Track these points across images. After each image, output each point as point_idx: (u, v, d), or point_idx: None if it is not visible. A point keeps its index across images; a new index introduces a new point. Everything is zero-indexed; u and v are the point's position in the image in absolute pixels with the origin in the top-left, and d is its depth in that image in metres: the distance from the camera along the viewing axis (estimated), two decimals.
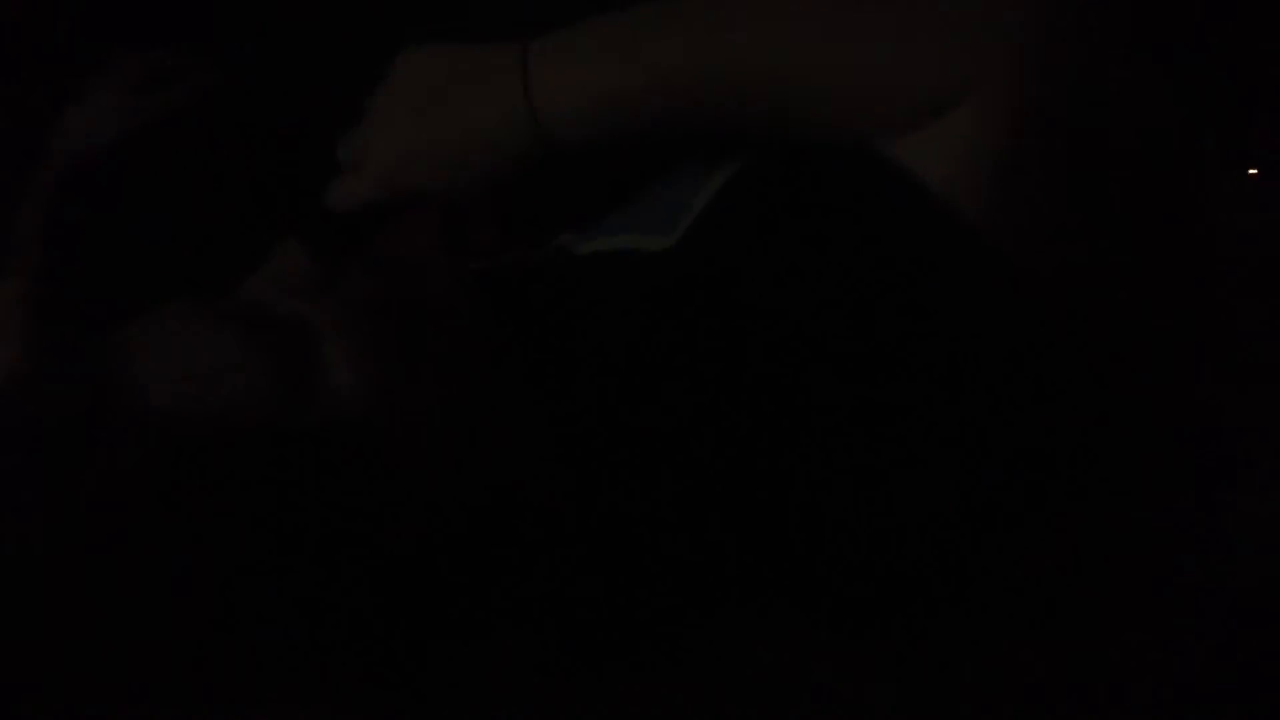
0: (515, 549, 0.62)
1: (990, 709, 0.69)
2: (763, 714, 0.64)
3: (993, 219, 0.63)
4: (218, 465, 0.55)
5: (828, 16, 0.64)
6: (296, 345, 0.58)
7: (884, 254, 0.63)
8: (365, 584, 0.57)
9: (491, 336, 0.66)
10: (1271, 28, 0.80)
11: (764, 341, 0.64)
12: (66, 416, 0.56)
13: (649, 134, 0.68)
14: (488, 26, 0.71)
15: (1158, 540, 0.74)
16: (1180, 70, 0.73)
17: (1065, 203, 0.64)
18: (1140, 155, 0.66)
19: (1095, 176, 0.64)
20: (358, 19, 0.80)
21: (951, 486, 0.63)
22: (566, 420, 0.65)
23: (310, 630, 0.56)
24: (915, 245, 0.63)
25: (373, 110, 0.71)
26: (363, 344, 0.59)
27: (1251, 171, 0.82)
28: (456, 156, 0.69)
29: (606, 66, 0.67)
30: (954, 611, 0.68)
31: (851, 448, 0.63)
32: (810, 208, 0.66)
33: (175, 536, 0.54)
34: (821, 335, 0.63)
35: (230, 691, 0.56)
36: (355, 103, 0.73)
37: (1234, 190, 0.80)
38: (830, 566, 0.64)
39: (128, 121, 0.73)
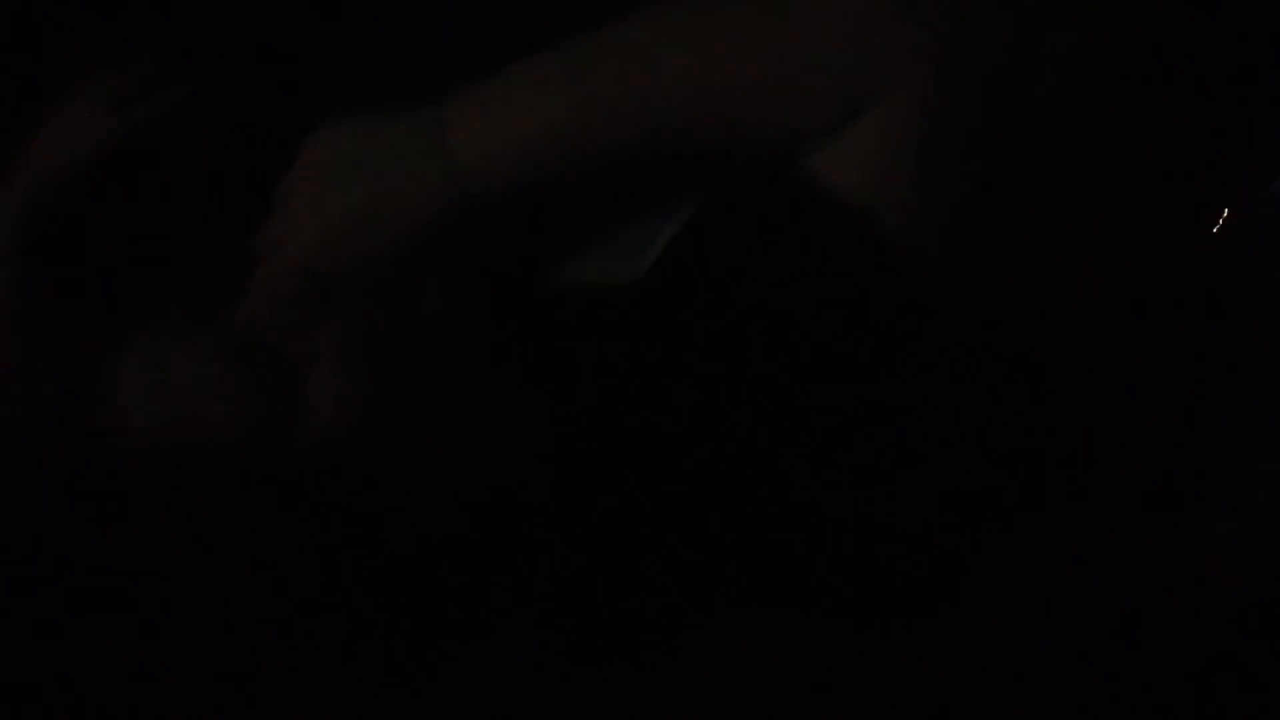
0: (510, 554, 0.63)
1: (981, 706, 0.70)
2: (756, 710, 0.64)
3: (915, 219, 0.64)
4: (195, 487, 0.56)
5: (741, 33, 0.66)
6: (280, 375, 0.59)
7: (814, 276, 0.66)
8: (356, 595, 0.59)
9: (466, 360, 0.67)
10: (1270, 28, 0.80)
11: (725, 356, 0.66)
12: (44, 433, 0.57)
13: (576, 172, 0.68)
14: (397, 100, 0.71)
15: (1154, 540, 0.74)
16: (1179, 69, 0.74)
17: (987, 202, 0.66)
18: (1075, 154, 0.67)
19: (1018, 176, 0.66)
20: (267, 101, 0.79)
21: (896, 487, 0.66)
22: (554, 427, 0.66)
23: (303, 638, 0.58)
24: (838, 264, 0.66)
25: (285, 197, 0.70)
26: (349, 374, 0.60)
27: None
28: (380, 225, 0.68)
29: (523, 110, 0.68)
30: (943, 608, 0.68)
31: (816, 452, 0.64)
32: (746, 242, 0.68)
33: (146, 555, 0.55)
34: (769, 346, 0.65)
35: (229, 697, 0.56)
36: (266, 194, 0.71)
37: (1234, 191, 0.81)
38: (810, 566, 0.65)
39: (106, 136, 0.72)
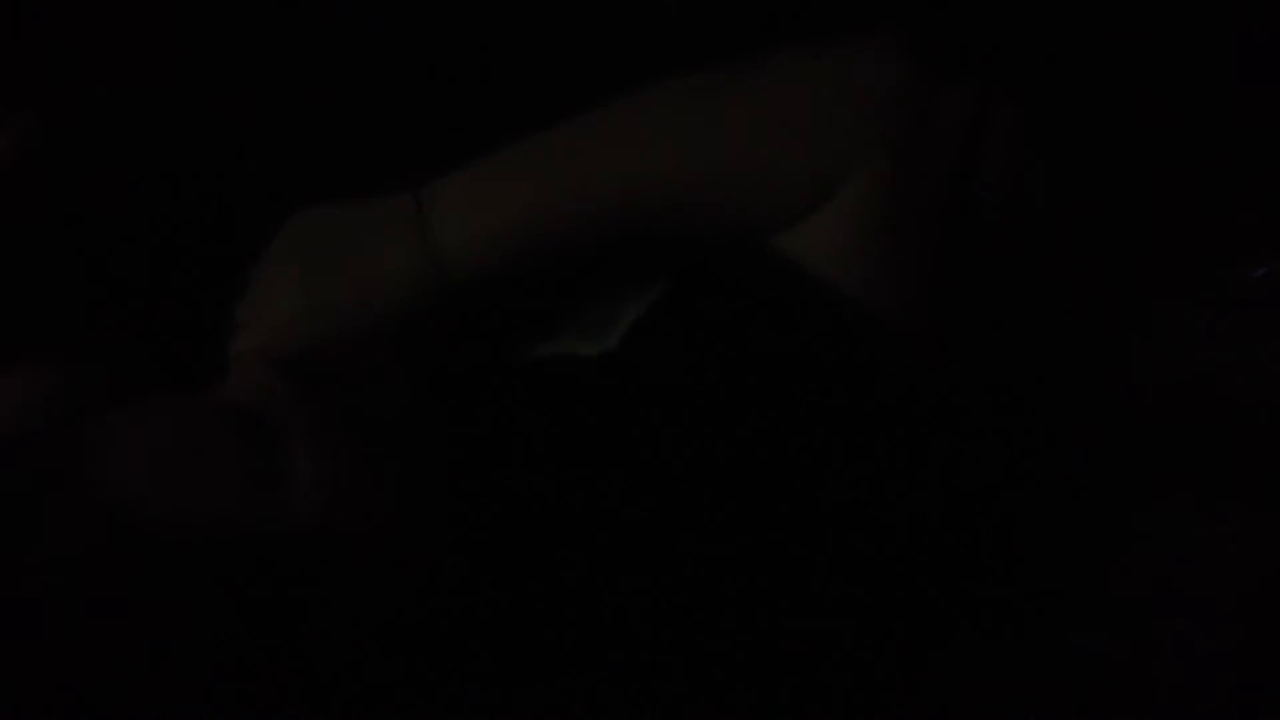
0: (465, 642, 0.64)
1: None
2: None
3: (875, 289, 0.69)
4: (177, 551, 0.56)
5: (711, 127, 0.69)
6: (269, 443, 0.59)
7: (781, 348, 0.69)
8: (321, 673, 0.59)
9: (437, 441, 0.69)
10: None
11: (688, 426, 0.69)
12: (23, 495, 0.56)
13: (552, 255, 0.71)
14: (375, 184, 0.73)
15: (1151, 548, 0.76)
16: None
17: (939, 272, 0.70)
18: (1005, 227, 0.71)
19: (966, 247, 0.70)
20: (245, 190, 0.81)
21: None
22: (503, 512, 0.68)
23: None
24: (805, 334, 0.69)
25: (261, 275, 0.71)
26: (324, 448, 0.60)
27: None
28: (356, 309, 0.69)
29: (501, 196, 0.70)
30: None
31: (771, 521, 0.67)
32: (718, 315, 0.71)
33: (123, 621, 0.55)
34: (737, 417, 0.68)
35: None
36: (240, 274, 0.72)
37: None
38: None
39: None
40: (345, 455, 0.61)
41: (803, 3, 0.79)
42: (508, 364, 0.75)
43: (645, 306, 0.73)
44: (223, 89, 0.83)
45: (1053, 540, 0.77)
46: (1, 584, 0.53)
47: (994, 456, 0.73)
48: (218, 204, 0.78)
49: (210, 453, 0.58)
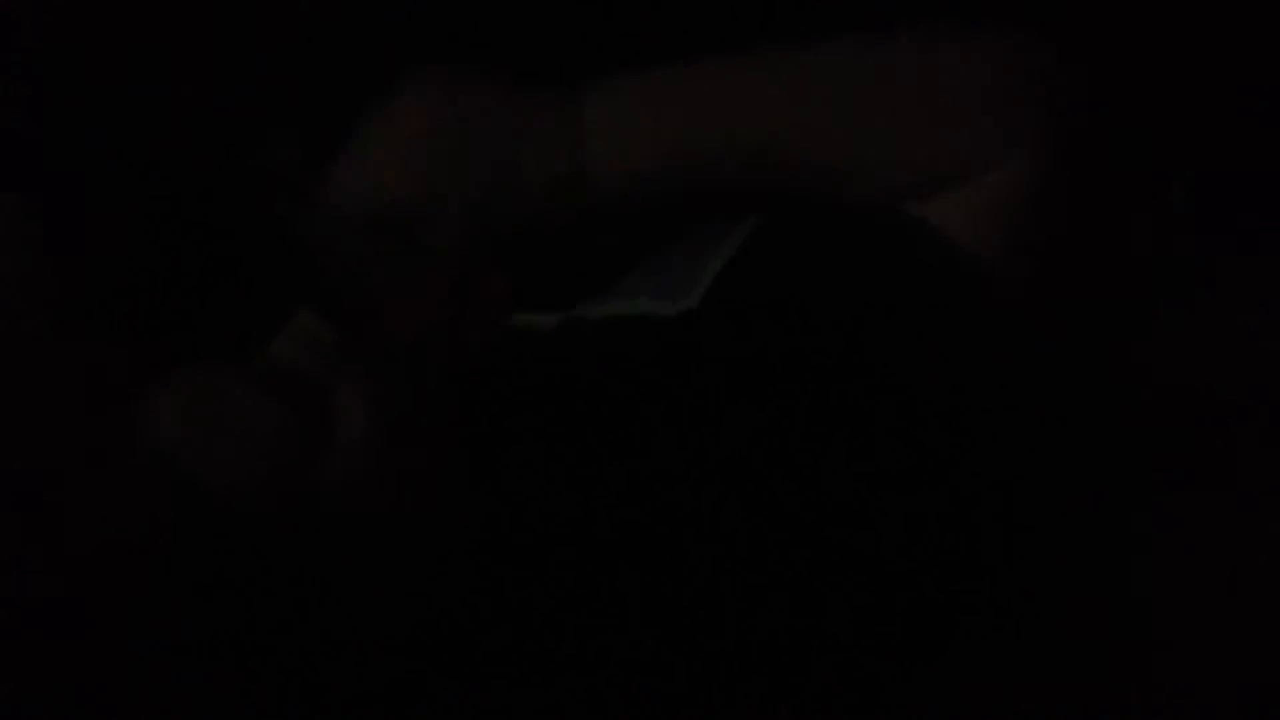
0: (509, 623, 0.61)
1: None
2: None
3: (1006, 268, 0.67)
4: (228, 515, 0.55)
5: (872, 96, 0.67)
6: (314, 407, 0.58)
7: (902, 317, 0.66)
8: (373, 643, 0.57)
9: (486, 410, 0.65)
10: None
11: (779, 406, 0.65)
12: (84, 470, 0.56)
13: (683, 199, 0.68)
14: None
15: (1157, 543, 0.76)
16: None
17: (1070, 253, 0.70)
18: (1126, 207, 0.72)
19: (1095, 230, 0.70)
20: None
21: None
22: (566, 483, 0.64)
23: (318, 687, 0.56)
24: (935, 303, 0.67)
25: (373, 130, 0.65)
26: (373, 412, 0.59)
27: None
28: (476, 210, 0.65)
29: (657, 129, 0.67)
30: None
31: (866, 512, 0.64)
32: (826, 269, 0.68)
33: (184, 594, 0.54)
34: (840, 404, 0.65)
35: None
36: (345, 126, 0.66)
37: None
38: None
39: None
40: (394, 413, 0.59)
41: None
42: (576, 322, 0.71)
43: (726, 263, 0.69)
44: None
45: (1052, 539, 0.76)
46: (52, 565, 0.53)
47: (1004, 453, 0.72)
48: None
49: (254, 418, 0.57)
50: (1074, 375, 0.77)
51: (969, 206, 0.67)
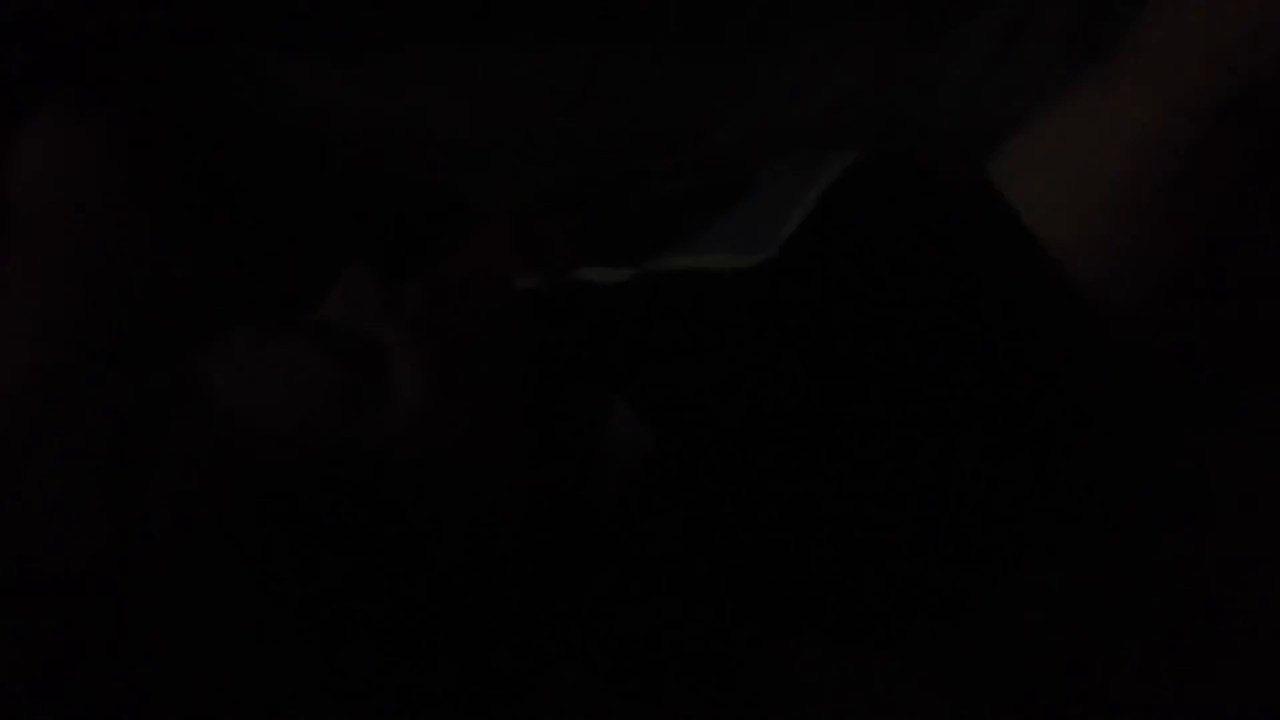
0: (561, 570, 0.61)
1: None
2: None
3: (1078, 245, 0.65)
4: (290, 473, 0.56)
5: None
6: (368, 361, 0.58)
7: (975, 284, 0.65)
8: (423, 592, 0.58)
9: (548, 356, 0.65)
10: None
11: (856, 364, 0.64)
12: (142, 424, 0.56)
13: None
14: None
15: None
16: None
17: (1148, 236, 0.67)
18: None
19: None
20: None
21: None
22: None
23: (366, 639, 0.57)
24: (1003, 273, 0.66)
25: None
26: (426, 363, 0.59)
27: None
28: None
29: None
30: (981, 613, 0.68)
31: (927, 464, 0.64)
32: (913, 224, 0.67)
33: (238, 542, 0.55)
34: (920, 364, 0.64)
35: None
36: None
37: None
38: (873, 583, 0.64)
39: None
40: (447, 367, 0.59)
41: None
42: (649, 275, 0.69)
43: (809, 213, 0.67)
44: None
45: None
46: (127, 520, 0.53)
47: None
48: None
49: (306, 375, 0.57)
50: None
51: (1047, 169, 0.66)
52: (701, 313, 0.66)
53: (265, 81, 0.74)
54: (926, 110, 0.74)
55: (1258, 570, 0.72)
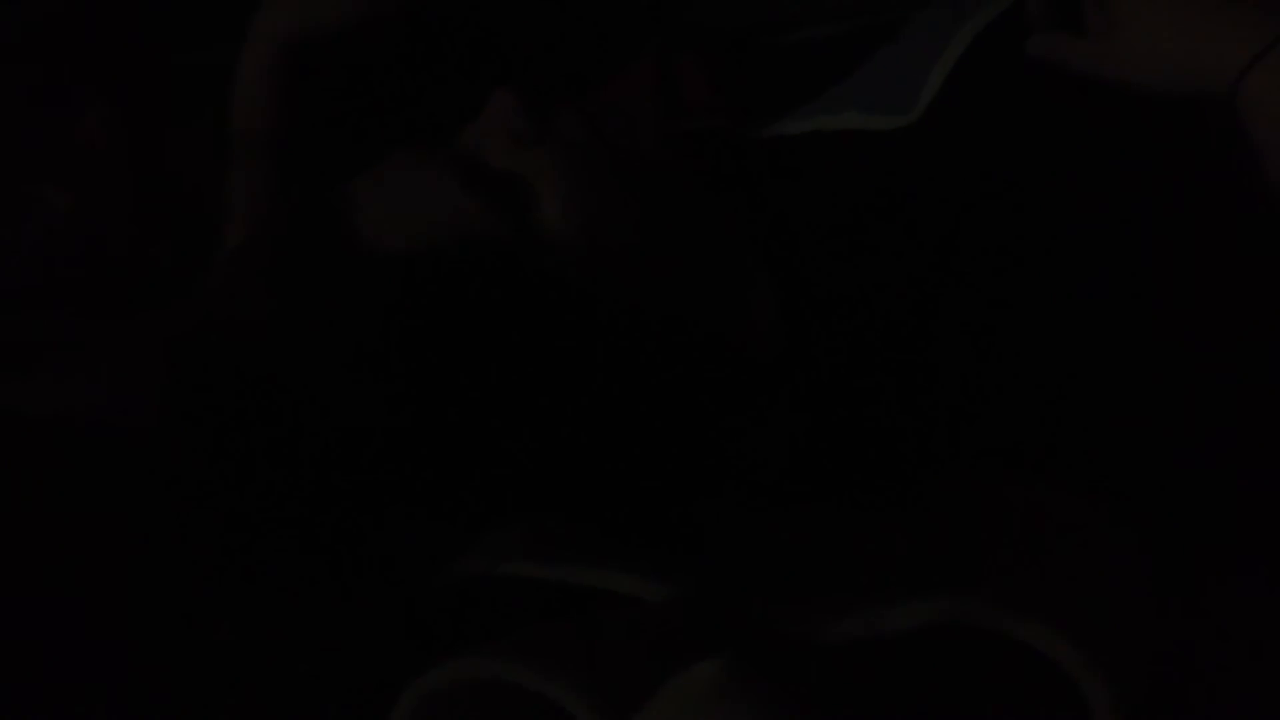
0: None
1: None
2: None
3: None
4: (440, 298, 0.58)
5: None
6: (511, 189, 0.59)
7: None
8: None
9: (695, 190, 0.65)
10: None
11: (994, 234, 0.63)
12: (301, 258, 0.59)
13: None
14: None
15: None
16: None
17: None
18: None
19: None
20: None
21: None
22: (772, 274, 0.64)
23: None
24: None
25: None
26: (572, 186, 0.59)
27: None
28: None
29: None
30: None
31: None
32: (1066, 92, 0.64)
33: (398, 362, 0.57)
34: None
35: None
36: None
37: None
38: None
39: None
40: (594, 188, 0.60)
41: None
42: (779, 135, 0.67)
43: (947, 75, 0.64)
44: None
45: None
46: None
47: None
48: None
49: (436, 203, 0.59)
50: None
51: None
52: (832, 180, 0.65)
53: None
54: None
55: None
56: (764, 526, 0.60)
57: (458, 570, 0.56)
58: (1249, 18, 0.59)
